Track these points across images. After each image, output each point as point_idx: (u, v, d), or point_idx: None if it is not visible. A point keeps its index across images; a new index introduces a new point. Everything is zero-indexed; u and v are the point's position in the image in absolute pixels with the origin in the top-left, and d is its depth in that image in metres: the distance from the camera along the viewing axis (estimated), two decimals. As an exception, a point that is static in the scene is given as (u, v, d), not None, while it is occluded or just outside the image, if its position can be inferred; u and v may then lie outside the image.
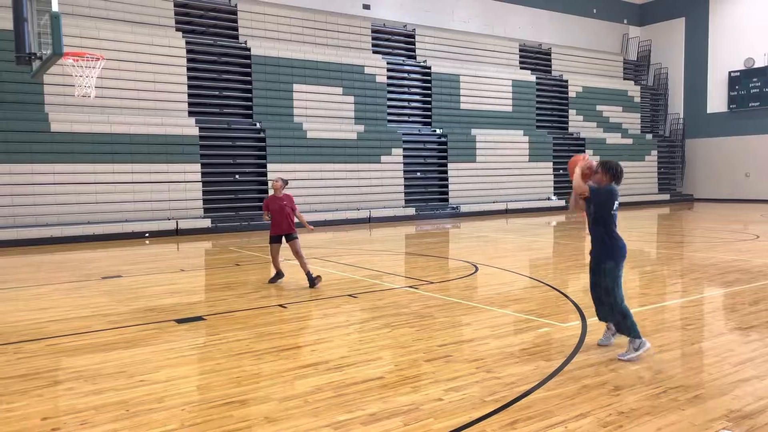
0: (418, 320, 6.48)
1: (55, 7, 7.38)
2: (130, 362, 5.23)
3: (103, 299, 8.00)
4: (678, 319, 6.45)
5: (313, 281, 8.43)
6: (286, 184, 9.00)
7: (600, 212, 5.15)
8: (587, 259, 11.43)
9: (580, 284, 8.48)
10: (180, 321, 6.67)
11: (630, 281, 8.71)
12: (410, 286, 8.49)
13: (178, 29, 19.03)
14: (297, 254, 8.60)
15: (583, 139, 27.23)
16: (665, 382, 4.50)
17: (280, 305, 7.39)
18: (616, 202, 5.11)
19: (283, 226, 8.74)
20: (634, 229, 16.75)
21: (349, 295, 7.91)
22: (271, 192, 9.27)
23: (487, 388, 4.44)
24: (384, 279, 9.20)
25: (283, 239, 8.80)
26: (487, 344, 5.54)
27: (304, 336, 6.00)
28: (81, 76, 9.67)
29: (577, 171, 5.19)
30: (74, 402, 4.31)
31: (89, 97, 10.40)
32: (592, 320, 6.33)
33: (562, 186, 26.56)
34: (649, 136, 30.11)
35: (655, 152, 29.86)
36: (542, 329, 6.03)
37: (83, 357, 5.40)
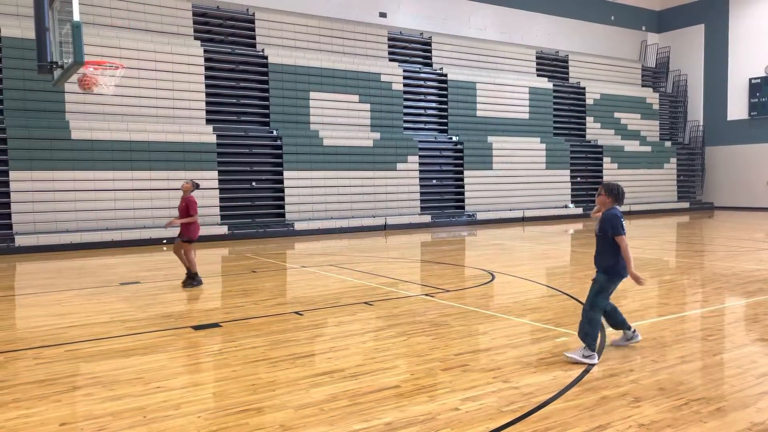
0: (434, 328, 6.45)
1: (76, 17, 7.50)
2: (148, 368, 5.25)
3: (122, 305, 8.07)
4: (699, 330, 6.34)
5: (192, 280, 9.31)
6: (196, 187, 9.45)
7: (611, 235, 5.23)
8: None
9: (598, 293, 8.39)
10: (196, 327, 6.69)
11: (650, 291, 8.60)
12: (426, 294, 8.45)
13: (196, 38, 19.24)
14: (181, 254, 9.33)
15: (601, 146, 27.02)
16: (686, 394, 4.42)
17: (296, 312, 7.39)
18: (623, 221, 5.24)
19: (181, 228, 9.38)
20: (654, 238, 16.56)
21: (365, 303, 7.89)
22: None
23: (505, 398, 4.39)
24: (400, 287, 9.17)
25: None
26: (505, 353, 5.49)
27: (319, 343, 5.99)
28: (102, 86, 9.78)
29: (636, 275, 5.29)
30: (92, 408, 4.34)
31: (108, 93, 10.46)
32: (611, 330, 6.24)
33: (580, 194, 26.36)
34: (668, 144, 29.80)
35: (674, 160, 29.54)
36: (560, 339, 5.96)
37: (101, 363, 5.44)
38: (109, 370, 5.22)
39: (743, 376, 4.81)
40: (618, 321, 5.58)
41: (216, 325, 6.83)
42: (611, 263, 5.21)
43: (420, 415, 4.09)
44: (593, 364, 5.09)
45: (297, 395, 4.52)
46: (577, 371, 4.94)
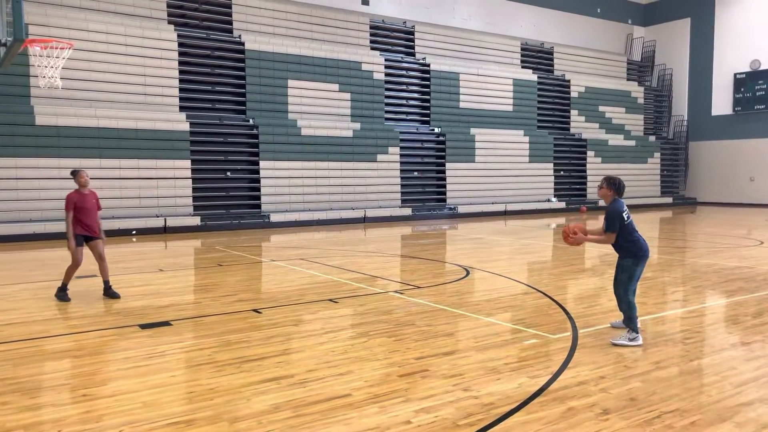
0: (398, 329, 6.05)
1: (19, -9, 6.98)
2: (78, 373, 4.82)
3: (71, 301, 7.58)
4: (677, 332, 6.01)
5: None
6: (73, 176, 7.77)
7: (606, 228, 5.72)
8: (585, 264, 11.02)
9: (574, 291, 8.05)
10: (144, 326, 6.24)
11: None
12: (396, 291, 8.06)
13: (170, 22, 18.63)
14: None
15: (585, 140, 26.77)
16: (659, 405, 4.06)
17: (255, 310, 6.97)
18: (624, 213, 5.66)
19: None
20: (635, 233, 16.28)
21: (330, 300, 7.48)
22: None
23: (462, 409, 4.01)
24: (370, 282, 8.77)
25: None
26: (469, 358, 5.11)
27: (272, 345, 5.57)
28: (46, 67, 9.22)
29: (579, 236, 5.77)
30: (4, 419, 3.89)
31: (57, 88, 9.96)
32: (584, 331, 5.90)
33: (563, 187, 26.10)
34: (652, 138, 29.63)
35: (658, 155, 29.37)
36: (529, 341, 5.60)
37: (29, 366, 4.98)
38: (35, 374, 4.77)
39: (721, 385, 4.47)
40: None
41: (166, 323, 6.39)
42: (632, 248, 5.61)
43: (367, 430, 3.70)
44: (639, 345, 5.40)
45: (236, 405, 4.10)
46: (545, 378, 4.58)
